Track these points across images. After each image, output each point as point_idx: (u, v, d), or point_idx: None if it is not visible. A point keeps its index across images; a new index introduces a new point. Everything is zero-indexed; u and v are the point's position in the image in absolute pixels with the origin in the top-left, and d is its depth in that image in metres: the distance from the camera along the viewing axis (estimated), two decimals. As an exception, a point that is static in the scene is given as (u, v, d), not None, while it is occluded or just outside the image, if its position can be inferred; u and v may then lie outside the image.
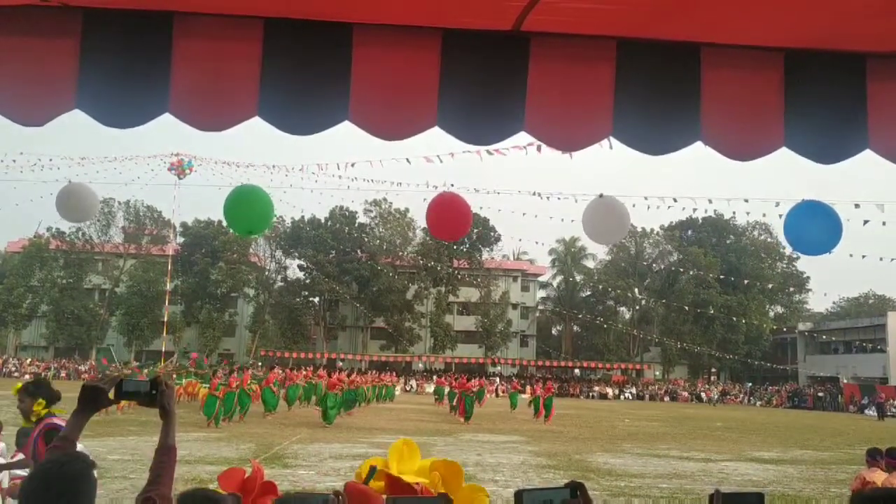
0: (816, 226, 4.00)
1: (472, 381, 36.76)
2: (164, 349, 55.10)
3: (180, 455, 12.50)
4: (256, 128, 3.21)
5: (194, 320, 68.01)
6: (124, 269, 69.45)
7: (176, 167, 50.05)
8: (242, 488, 3.26)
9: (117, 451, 15.38)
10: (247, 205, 4.23)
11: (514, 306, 75.55)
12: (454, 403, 30.37)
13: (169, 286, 56.35)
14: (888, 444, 8.47)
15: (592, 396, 62.70)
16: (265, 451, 16.38)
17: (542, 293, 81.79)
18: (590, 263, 76.91)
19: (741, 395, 64.54)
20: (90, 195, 5.22)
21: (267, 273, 72.99)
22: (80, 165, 39.63)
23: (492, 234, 71.05)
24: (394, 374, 59.80)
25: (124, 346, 68.29)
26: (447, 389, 35.78)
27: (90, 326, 67.26)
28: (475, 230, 68.86)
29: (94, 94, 2.95)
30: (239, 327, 72.68)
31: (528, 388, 58.46)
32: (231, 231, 65.14)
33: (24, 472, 6.69)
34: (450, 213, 4.34)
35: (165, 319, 55.55)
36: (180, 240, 68.15)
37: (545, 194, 26.00)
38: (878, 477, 7.59)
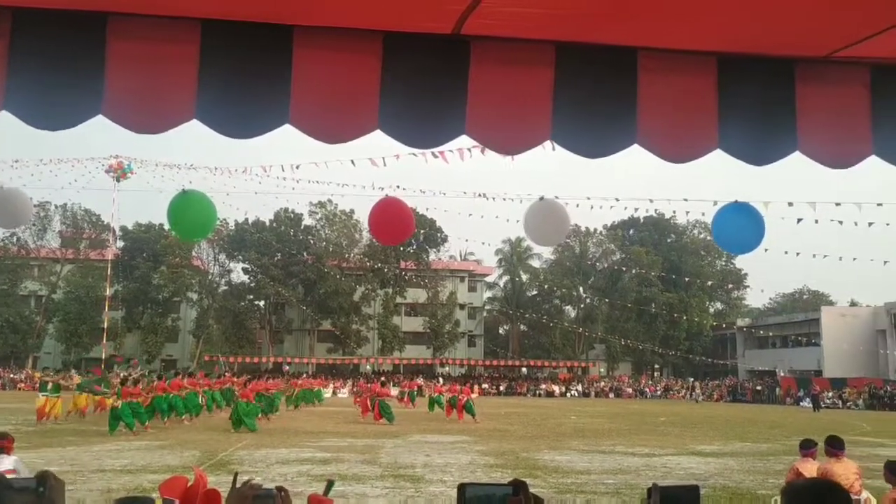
0: (741, 226, 4.15)
1: (413, 381, 36.66)
2: (104, 356, 53.69)
3: (122, 464, 12.27)
4: (199, 131, 3.16)
5: (136, 326, 66.51)
6: (62, 275, 67.43)
7: (115, 170, 48.86)
8: (184, 496, 3.19)
9: (56, 462, 14.92)
10: (190, 210, 4.17)
11: (462, 307, 75.85)
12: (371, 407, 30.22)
13: (109, 291, 54.96)
14: (823, 434, 8.77)
15: (539, 394, 63.34)
16: (210, 458, 16.10)
17: (489, 293, 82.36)
18: (535, 263, 77.77)
19: (683, 390, 65.97)
20: (24, 200, 5.06)
21: (210, 277, 71.81)
22: (13, 168, 38.45)
23: (438, 235, 71.22)
24: (339, 377, 59.36)
25: (62, 354, 66.32)
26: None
27: (26, 334, 65.11)
28: (422, 231, 68.90)
29: (23, 96, 2.87)
30: (182, 332, 71.33)
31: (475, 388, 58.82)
32: (173, 235, 63.97)
33: None
34: (392, 218, 4.34)
35: (105, 326, 54.16)
36: (120, 244, 66.56)
37: (491, 195, 26.21)
38: (812, 467, 7.86)
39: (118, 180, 49.77)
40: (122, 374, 31.35)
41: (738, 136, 3.26)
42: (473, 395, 37.36)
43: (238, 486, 2.51)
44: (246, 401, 24.17)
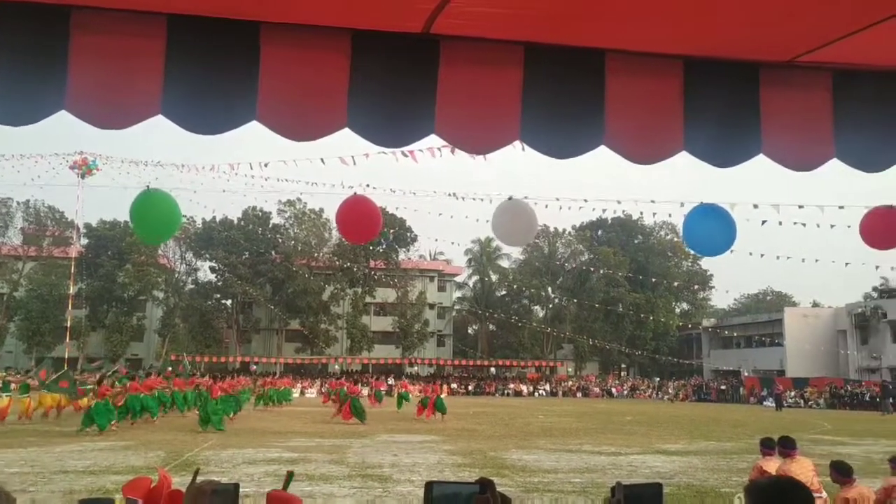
0: (712, 228, 4.19)
1: (379, 381, 36.71)
2: (66, 356, 52.74)
3: (85, 465, 12.12)
4: (167, 127, 3.12)
5: (100, 325, 65.46)
6: (24, 273, 66.06)
7: (79, 166, 48.04)
8: (148, 497, 3.16)
9: (16, 463, 14.66)
10: (153, 210, 4.10)
11: (431, 306, 75.83)
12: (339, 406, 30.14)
13: (72, 290, 53.98)
14: (785, 433, 8.93)
15: (507, 394, 63.56)
16: (175, 458, 15.91)
17: (458, 293, 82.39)
18: (505, 263, 78.02)
19: (650, 390, 66.63)
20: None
21: (177, 275, 70.95)
22: (-27, 164, 37.62)
23: (408, 234, 71.09)
24: (307, 377, 59.02)
25: (24, 353, 65.02)
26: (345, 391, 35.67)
27: (-14, 333, 63.79)
28: (391, 230, 68.75)
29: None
30: (148, 331, 70.34)
31: (445, 387, 58.84)
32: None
33: None
34: (359, 216, 4.33)
35: (69, 324, 53.19)
36: (84, 241, 65.42)
37: (460, 195, 26.23)
38: (774, 465, 7.99)
39: (83, 177, 48.93)
40: (98, 374, 30.76)
41: (704, 139, 3.30)
42: (443, 394, 37.49)
43: (198, 481, 2.53)
44: (214, 400, 24.08)
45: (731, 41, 3.18)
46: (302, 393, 53.29)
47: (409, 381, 52.52)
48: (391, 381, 56.55)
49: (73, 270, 53.11)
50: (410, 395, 37.25)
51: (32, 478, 12.96)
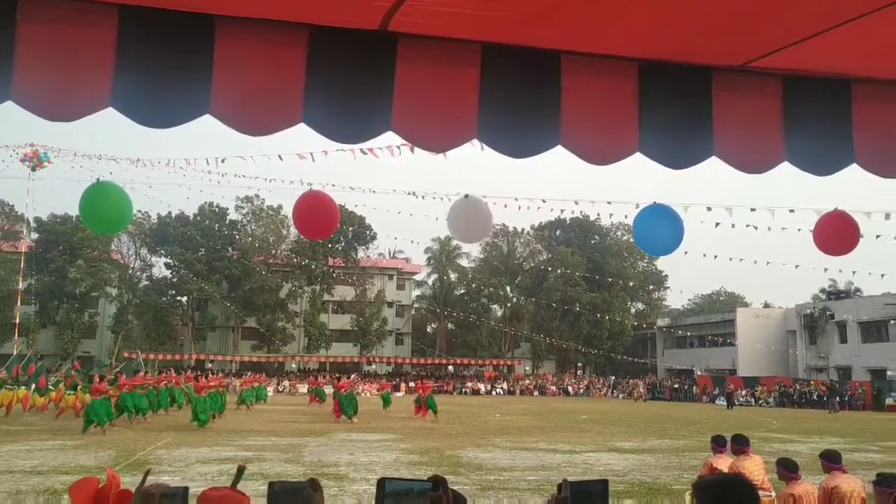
0: (661, 227, 4.25)
1: (343, 380, 36.59)
2: (15, 352, 51.44)
3: (32, 465, 11.86)
4: (120, 120, 3.05)
5: (50, 321, 63.94)
6: (-30, 267, 64.25)
7: (30, 158, 46.90)
8: (96, 498, 3.09)
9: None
10: (103, 202, 4.03)
11: (390, 304, 75.69)
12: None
13: (21, 285, 52.64)
14: (735, 430, 9.10)
15: (465, 392, 63.72)
16: (126, 457, 15.63)
17: (417, 291, 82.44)
18: (464, 262, 78.25)
19: (605, 388, 67.41)
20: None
21: (131, 271, 69.67)
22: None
23: (367, 232, 70.87)
24: (263, 374, 58.46)
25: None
26: (330, 389, 35.52)
27: (-70, 328, 61.81)
28: (350, 228, 68.47)
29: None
30: (100, 328, 68.88)
31: (402, 385, 58.82)
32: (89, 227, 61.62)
33: None
34: (316, 212, 4.29)
35: (17, 321, 51.86)
36: (34, 236, 63.85)
37: (420, 193, 26.23)
38: (724, 462, 8.14)
39: (34, 169, 47.77)
40: (93, 372, 30.07)
41: (657, 140, 3.35)
42: (400, 394, 37.51)
43: (147, 484, 2.49)
44: (203, 397, 23.87)
45: (685, 45, 3.23)
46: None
47: (367, 380, 52.40)
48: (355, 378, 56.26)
49: (22, 265, 51.81)
50: (390, 396, 37.16)
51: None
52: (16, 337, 52.33)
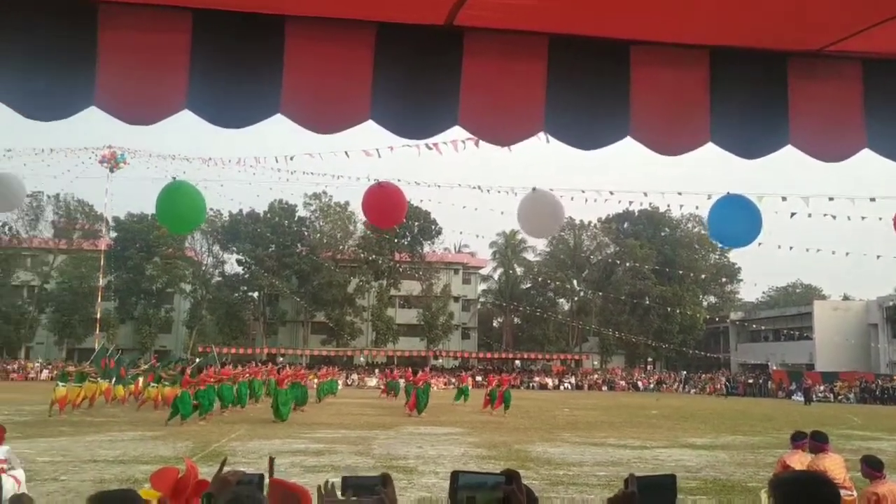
0: (737, 219, 4.13)
1: (419, 374, 36.92)
2: (96, 347, 53.55)
3: (114, 455, 12.33)
4: (193, 120, 3.15)
5: (129, 317, 66.37)
6: (54, 265, 67.15)
7: (108, 160, 48.74)
8: (175, 488, 3.20)
9: (47, 452, 14.93)
10: (178, 202, 4.16)
11: (456, 299, 75.89)
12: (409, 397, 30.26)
13: (102, 282, 54.80)
14: (814, 427, 8.83)
15: (532, 387, 63.43)
16: (202, 449, 16.11)
17: (483, 286, 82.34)
18: (530, 256, 77.85)
19: (676, 384, 66.20)
20: (15, 183, 5.04)
21: (204, 268, 71.67)
22: (6, 158, 38.31)
23: (433, 227, 71.19)
24: (335, 368, 59.36)
25: (55, 345, 66.15)
26: (403, 382, 35.94)
27: (19, 325, 64.84)
28: (416, 223, 68.89)
29: (15, 86, 2.85)
30: (175, 323, 71.20)
31: (470, 380, 58.98)
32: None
33: None
34: (384, 202, 4.35)
35: (98, 316, 54.01)
36: (113, 234, 66.31)
37: (485, 188, 26.21)
38: (799, 460, 7.90)
39: (111, 170, 49.67)
40: (181, 365, 31.17)
41: (730, 130, 3.27)
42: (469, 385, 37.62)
43: (224, 471, 2.58)
44: (284, 390, 24.43)
45: (759, 31, 3.14)
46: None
47: (434, 374, 52.65)
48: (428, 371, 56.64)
49: (102, 263, 53.93)
50: (469, 389, 37.59)
51: (64, 466, 13.20)
52: (97, 332, 54.51)
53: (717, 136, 3.27)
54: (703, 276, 70.90)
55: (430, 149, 13.87)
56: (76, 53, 2.86)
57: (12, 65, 2.85)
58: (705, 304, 79.19)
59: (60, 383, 24.96)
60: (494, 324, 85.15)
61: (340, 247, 70.41)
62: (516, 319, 79.70)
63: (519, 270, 78.32)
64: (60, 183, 52.08)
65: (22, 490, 7.20)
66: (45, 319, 66.24)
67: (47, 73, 2.86)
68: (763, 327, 71.90)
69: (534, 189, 4.32)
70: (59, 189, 65.53)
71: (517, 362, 72.22)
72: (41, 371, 57.74)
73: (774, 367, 63.20)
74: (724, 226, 4.22)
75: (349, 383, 58.20)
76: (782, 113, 3.28)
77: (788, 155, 3.52)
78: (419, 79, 3.04)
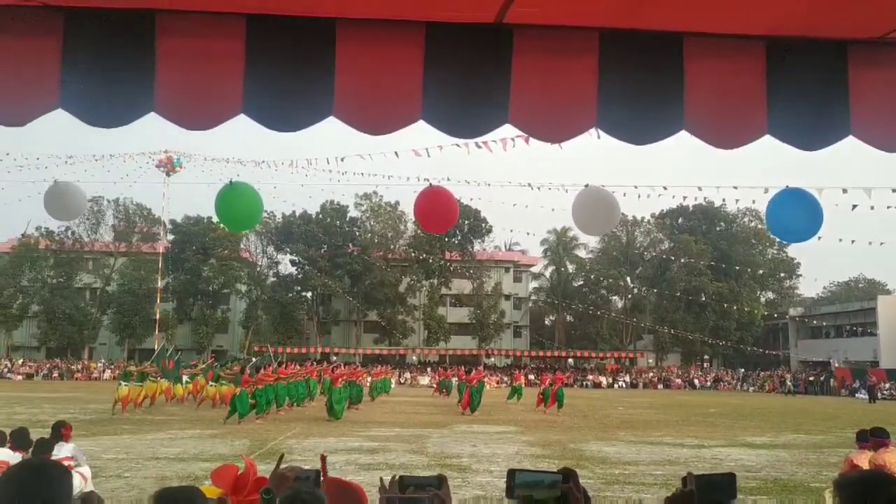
0: (797, 213, 4.03)
1: (472, 372, 37.04)
2: (156, 347, 54.94)
3: (175, 453, 12.61)
4: (244, 124, 3.21)
5: (186, 317, 67.87)
6: (115, 268, 69.13)
7: (165, 164, 49.94)
8: (235, 485, 3.27)
9: (111, 450, 15.37)
10: (237, 201, 4.26)
11: (507, 297, 75.68)
12: (461, 396, 30.32)
13: (160, 284, 56.16)
14: (879, 425, 8.57)
15: (586, 385, 62.93)
16: (259, 446, 16.39)
17: (534, 284, 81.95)
18: (581, 253, 77.14)
19: (734, 381, 64.88)
20: (78, 193, 5.22)
21: (259, 269, 72.87)
22: (67, 164, 39.53)
23: (483, 225, 71.11)
24: (389, 366, 59.82)
25: (116, 345, 68.07)
26: (455, 381, 36.09)
27: (82, 326, 66.99)
28: (466, 222, 68.88)
29: (77, 94, 2.95)
30: (232, 323, 72.56)
31: (523, 378, 58.82)
32: (221, 228, 65.09)
33: None
34: (436, 206, 4.36)
35: (157, 317, 55.39)
36: (170, 237, 67.91)
37: (536, 185, 26.09)
38: (866, 459, 7.68)
39: (168, 174, 50.89)
40: (240, 365, 31.94)
41: (789, 121, 3.19)
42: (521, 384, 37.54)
43: (282, 467, 2.63)
44: (338, 388, 24.78)
45: (817, 19, 3.05)
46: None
47: (486, 373, 52.71)
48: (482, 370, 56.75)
49: (160, 265, 55.28)
50: (522, 388, 37.66)
51: (127, 464, 13.57)
52: (156, 332, 55.90)
53: (774, 129, 3.20)
54: (760, 271, 69.21)
55: (479, 147, 13.87)
56: (136, 62, 2.94)
57: (75, 74, 2.95)
58: (763, 300, 77.36)
59: (123, 383, 25.66)
60: (546, 322, 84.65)
61: (391, 246, 70.87)
62: (569, 317, 79.09)
63: (571, 268, 77.70)
64: (120, 188, 53.56)
65: (88, 487, 7.41)
66: (107, 321, 68.24)
67: (109, 82, 2.95)
68: (824, 323, 69.93)
69: (586, 185, 4.28)
70: (118, 193, 67.51)
71: (570, 360, 71.66)
72: (104, 371, 59.55)
73: (836, 365, 61.44)
74: (783, 221, 4.12)
75: (402, 382, 58.57)
76: (843, 103, 3.19)
77: (849, 146, 3.42)
78: (469, 78, 3.05)
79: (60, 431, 7.80)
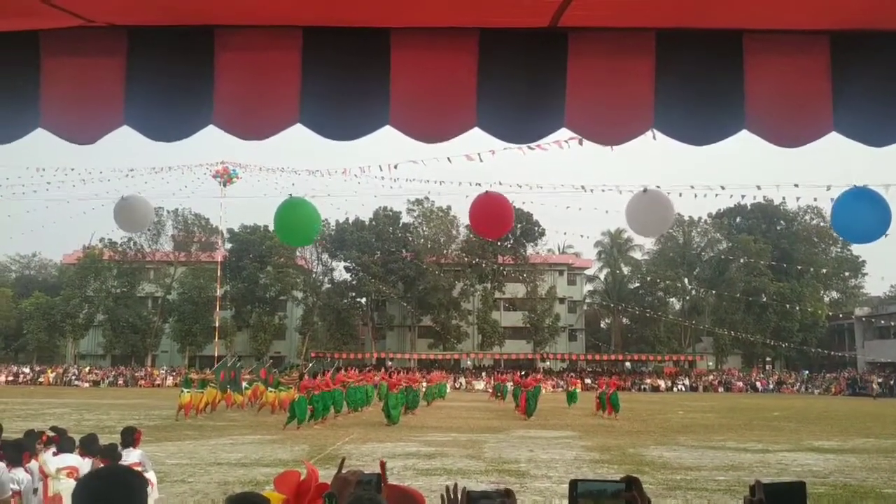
0: (864, 213, 3.89)
1: (529, 377, 37.02)
2: (216, 354, 56.16)
3: (236, 458, 12.86)
4: (298, 135, 3.25)
5: (245, 324, 69.14)
6: (175, 277, 70.87)
7: (221, 175, 50.97)
8: (298, 490, 3.31)
9: (175, 455, 15.73)
10: (295, 217, 4.32)
11: (562, 300, 75.05)
12: (517, 401, 30.28)
13: (219, 292, 57.32)
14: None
15: (644, 389, 62.02)
16: (318, 452, 16.58)
17: (589, 286, 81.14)
18: (637, 255, 76.15)
19: (798, 384, 63.14)
20: (146, 206, 5.38)
21: (314, 275, 73.79)
22: (128, 178, 40.66)
23: (535, 228, 70.74)
24: (444, 371, 59.94)
25: (178, 353, 69.72)
26: (511, 386, 36.05)
27: (145, 334, 68.90)
28: (518, 225, 68.57)
29: (141, 111, 3.03)
30: (289, 330, 73.64)
31: (579, 382, 58.38)
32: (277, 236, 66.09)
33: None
34: (492, 212, 4.35)
35: (217, 325, 56.54)
36: (228, 246, 69.29)
37: (589, 187, 25.85)
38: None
39: (224, 185, 51.92)
40: (299, 370, 32.49)
41: (856, 117, 3.08)
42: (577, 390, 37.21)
43: (343, 472, 2.65)
44: (394, 394, 25.04)
45: (884, 10, 2.95)
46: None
47: (542, 377, 52.40)
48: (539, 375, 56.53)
49: (219, 274, 56.44)
50: (577, 393, 37.50)
51: (191, 469, 13.86)
52: (216, 339, 57.04)
53: (840, 125, 3.10)
54: (823, 270, 67.27)
55: (532, 149, 13.80)
56: (195, 76, 3.01)
57: (138, 91, 3.04)
58: (827, 300, 75.18)
59: (185, 390, 26.26)
60: (602, 325, 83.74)
61: (444, 251, 71.01)
62: (625, 320, 78.09)
63: (626, 270, 76.75)
64: (178, 199, 54.86)
65: (154, 493, 7.60)
66: (169, 329, 70.02)
67: (170, 97, 3.03)
68: (893, 323, 67.52)
69: (644, 189, 4.21)
70: (177, 204, 69.15)
71: (627, 364, 70.75)
72: (166, 378, 61.02)
73: (906, 366, 59.26)
74: (849, 221, 3.99)
75: (457, 387, 58.58)
76: (913, 96, 3.07)
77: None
78: (524, 83, 3.03)
79: (133, 437, 8.00)
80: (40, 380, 59.63)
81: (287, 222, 4.35)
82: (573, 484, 2.16)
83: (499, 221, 4.43)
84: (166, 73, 3.01)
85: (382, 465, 3.08)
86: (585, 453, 17.16)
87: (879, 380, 57.03)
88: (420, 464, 14.95)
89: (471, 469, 14.32)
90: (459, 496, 2.34)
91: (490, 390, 44.19)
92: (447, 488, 2.39)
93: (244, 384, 32.34)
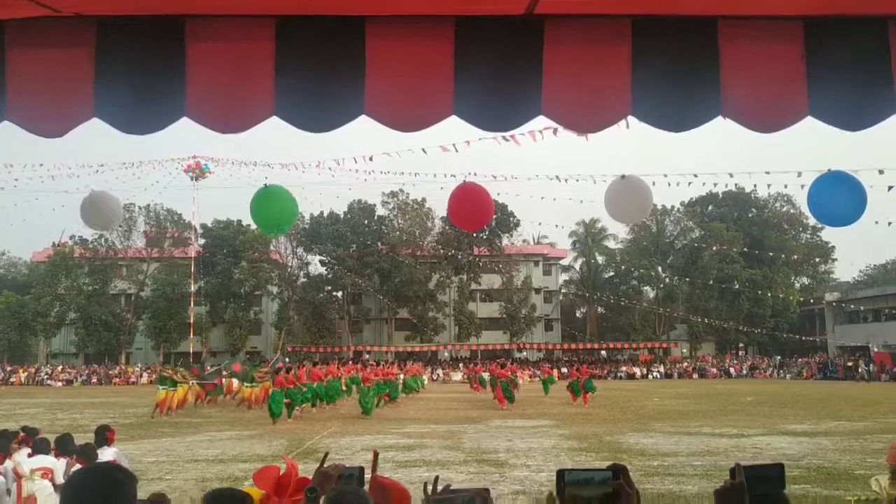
0: (840, 197, 3.93)
1: (506, 367, 37.15)
2: (191, 350, 55.71)
3: (214, 454, 12.72)
4: (270, 127, 3.20)
5: (220, 320, 68.60)
6: (148, 273, 70.04)
7: (193, 170, 50.42)
8: (278, 486, 3.27)
9: (152, 453, 15.58)
10: (273, 204, 4.27)
11: (537, 291, 75.31)
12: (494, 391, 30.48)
13: (193, 288, 56.77)
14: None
15: (620, 377, 62.55)
16: (297, 446, 16.50)
17: (564, 276, 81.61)
18: (611, 244, 76.62)
19: (770, 369, 64.01)
20: (114, 203, 5.27)
21: (289, 270, 73.36)
22: (98, 173, 40.07)
23: (511, 219, 70.86)
24: (420, 364, 59.97)
25: (152, 349, 69.02)
26: (488, 376, 36.19)
27: (118, 331, 68.01)
28: (494, 217, 68.54)
29: (112, 103, 2.96)
30: (265, 325, 73.21)
31: (554, 371, 58.68)
32: (251, 230, 65.68)
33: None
34: (471, 204, 4.32)
35: (192, 321, 56.03)
36: (201, 241, 68.60)
37: (563, 177, 25.92)
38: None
39: (197, 180, 51.38)
40: (277, 365, 32.24)
41: (831, 102, 3.11)
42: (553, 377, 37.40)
43: (325, 466, 2.64)
44: (367, 387, 25.06)
45: (857, -5, 2.97)
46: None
47: (519, 366, 52.59)
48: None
49: (192, 269, 55.89)
50: (554, 379, 37.89)
51: (168, 466, 13.74)
52: (191, 336, 56.54)
53: (815, 110, 3.12)
54: (794, 256, 68.17)
55: (507, 140, 13.79)
56: (167, 67, 2.95)
57: (108, 82, 2.97)
58: (798, 285, 76.26)
59: (160, 387, 26.05)
60: (578, 314, 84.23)
61: (419, 243, 70.94)
62: (600, 309, 78.61)
63: (601, 259, 77.25)
64: (150, 194, 54.17)
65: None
66: (143, 326, 69.22)
67: (141, 89, 2.96)
68: (862, 308, 68.69)
69: (623, 176, 4.22)
70: (149, 200, 68.26)
71: (603, 352, 71.28)
72: (141, 375, 60.40)
73: (876, 349, 60.33)
74: (826, 205, 4.02)
75: (434, 378, 58.61)
76: (887, 80, 3.10)
77: (888, 125, 3.33)
78: (501, 71, 3.01)
79: (105, 436, 7.90)
80: (11, 380, 58.71)
81: (264, 210, 4.30)
82: (560, 474, 2.15)
83: (478, 214, 4.41)
84: (137, 64, 2.94)
85: (375, 454, 3.06)
86: (563, 441, 17.26)
87: (865, 366, 57.66)
88: (399, 456, 14.94)
89: (450, 460, 14.34)
90: (440, 489, 2.33)
91: (473, 383, 44.23)
92: (425, 485, 2.37)
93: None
